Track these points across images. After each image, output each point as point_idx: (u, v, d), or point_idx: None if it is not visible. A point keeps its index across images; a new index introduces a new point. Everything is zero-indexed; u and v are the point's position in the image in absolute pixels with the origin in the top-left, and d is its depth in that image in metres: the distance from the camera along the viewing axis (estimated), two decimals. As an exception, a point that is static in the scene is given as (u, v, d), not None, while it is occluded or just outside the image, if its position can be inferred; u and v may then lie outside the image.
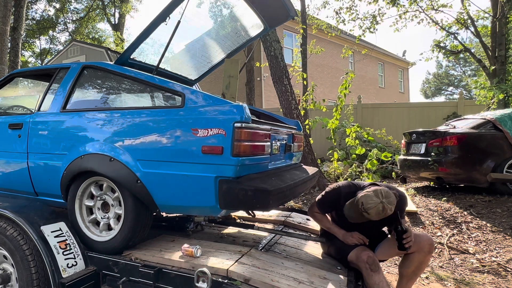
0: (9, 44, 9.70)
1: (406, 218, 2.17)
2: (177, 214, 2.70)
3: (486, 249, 3.67)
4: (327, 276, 1.97)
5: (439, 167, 5.00)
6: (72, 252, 2.05)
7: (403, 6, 11.25)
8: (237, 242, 2.45)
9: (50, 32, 25.31)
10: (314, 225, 2.98)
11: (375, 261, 2.07)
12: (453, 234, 4.07)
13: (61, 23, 25.13)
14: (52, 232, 2.06)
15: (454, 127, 5.42)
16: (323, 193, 2.42)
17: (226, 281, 1.72)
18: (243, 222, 2.92)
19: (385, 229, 2.47)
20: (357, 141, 7.46)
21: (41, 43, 26.23)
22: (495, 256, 3.52)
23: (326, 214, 2.46)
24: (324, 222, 2.44)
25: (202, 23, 3.27)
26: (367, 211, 2.02)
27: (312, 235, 2.79)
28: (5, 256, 2.14)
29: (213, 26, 3.51)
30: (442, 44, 11.85)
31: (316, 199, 2.42)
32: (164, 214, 3.00)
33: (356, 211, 2.09)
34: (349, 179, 6.62)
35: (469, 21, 10.54)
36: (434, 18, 11.34)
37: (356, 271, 2.18)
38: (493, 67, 9.17)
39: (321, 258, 2.39)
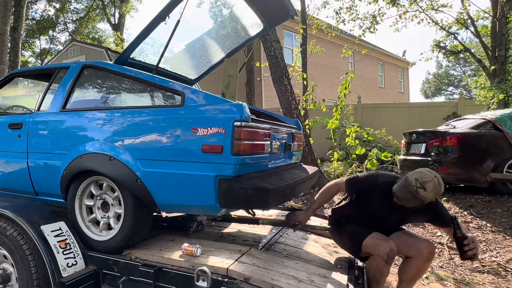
0: (9, 44, 9.70)
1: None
2: (180, 214, 2.68)
3: (486, 249, 3.67)
4: (327, 275, 1.97)
5: (439, 167, 5.00)
6: (72, 252, 2.05)
7: (403, 6, 11.25)
8: (237, 241, 2.45)
9: (50, 32, 25.32)
10: (314, 224, 2.98)
11: (394, 255, 2.07)
12: (453, 234, 4.06)
13: (61, 23, 25.15)
14: (52, 231, 2.06)
15: (454, 127, 5.42)
16: (359, 174, 2.33)
17: (226, 280, 1.72)
18: (247, 217, 2.78)
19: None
20: (357, 141, 7.47)
21: (41, 43, 26.24)
22: (495, 256, 3.51)
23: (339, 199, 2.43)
24: (322, 200, 2.36)
25: (202, 23, 3.28)
26: (423, 185, 1.94)
27: (312, 234, 2.79)
28: (5, 256, 2.14)
29: (213, 26, 3.51)
30: (442, 44, 11.85)
31: (350, 177, 2.31)
32: (164, 214, 3.01)
33: (411, 189, 1.97)
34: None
35: (469, 21, 10.55)
36: (434, 18, 11.35)
37: (356, 270, 2.18)
38: (493, 67, 9.17)
39: (321, 257, 2.39)
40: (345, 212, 2.38)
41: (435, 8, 10.91)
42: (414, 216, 2.24)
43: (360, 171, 7.05)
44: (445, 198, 5.07)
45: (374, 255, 2.05)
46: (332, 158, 7.51)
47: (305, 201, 5.85)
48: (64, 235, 2.10)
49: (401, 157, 6.02)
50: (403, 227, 2.39)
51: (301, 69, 9.57)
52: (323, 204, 2.43)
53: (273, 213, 3.21)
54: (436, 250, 3.72)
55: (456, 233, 2.04)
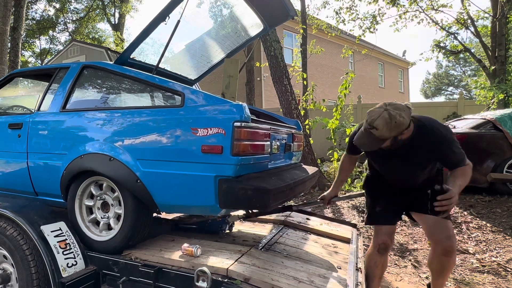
0: (9, 44, 9.70)
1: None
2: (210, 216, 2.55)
3: (486, 249, 3.67)
4: (327, 275, 1.97)
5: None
6: (72, 252, 2.05)
7: (403, 6, 11.26)
8: (237, 242, 2.45)
9: (50, 32, 25.32)
10: (314, 225, 2.98)
11: (386, 248, 2.19)
12: (453, 234, 4.06)
13: (61, 23, 25.15)
14: (52, 231, 2.06)
15: (454, 127, 5.42)
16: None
17: (226, 280, 1.72)
18: (283, 205, 2.66)
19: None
20: (357, 141, 7.44)
21: (41, 43, 26.24)
22: (495, 256, 3.51)
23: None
24: (340, 174, 2.46)
25: (202, 23, 3.27)
26: (372, 124, 1.77)
27: (312, 234, 2.79)
28: (5, 256, 2.14)
29: (213, 26, 3.51)
30: (442, 44, 11.86)
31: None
32: (164, 215, 3.00)
33: (367, 134, 1.83)
34: (349, 180, 6.62)
35: (469, 21, 10.55)
36: (434, 18, 11.36)
37: (356, 270, 2.18)
38: (493, 67, 9.17)
39: (320, 257, 2.39)
40: (370, 172, 2.39)
41: (435, 8, 10.91)
42: (413, 154, 1.97)
43: (360, 171, 7.05)
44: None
45: (370, 244, 2.23)
46: (332, 158, 7.51)
47: (305, 201, 5.84)
48: (64, 235, 2.10)
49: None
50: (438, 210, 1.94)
51: (301, 69, 9.58)
52: (343, 177, 2.49)
53: (272, 213, 3.21)
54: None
55: (436, 186, 1.88)
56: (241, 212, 2.63)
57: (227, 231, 2.59)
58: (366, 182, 2.39)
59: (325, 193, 2.53)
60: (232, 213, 2.52)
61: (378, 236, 2.23)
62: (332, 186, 2.53)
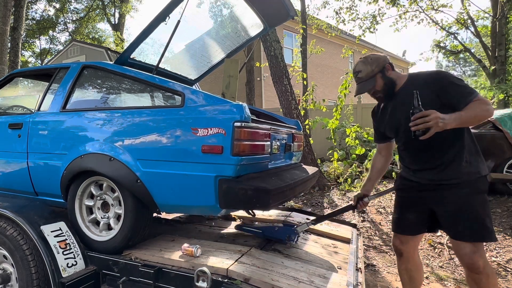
0: (9, 44, 9.70)
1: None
2: (279, 224, 2.44)
3: (486, 249, 3.67)
4: (327, 275, 1.97)
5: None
6: (72, 252, 2.05)
7: (403, 6, 11.27)
8: (237, 242, 2.45)
9: (50, 32, 25.35)
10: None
11: (400, 253, 2.12)
12: (453, 234, 4.06)
13: (61, 23, 25.18)
14: (52, 231, 2.06)
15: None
16: None
17: (226, 280, 1.72)
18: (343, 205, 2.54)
19: None
20: (357, 141, 7.46)
21: (41, 43, 26.27)
22: (495, 256, 3.51)
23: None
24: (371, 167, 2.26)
25: (202, 23, 3.27)
26: (355, 71, 1.99)
27: (312, 234, 2.79)
28: (5, 256, 2.14)
29: (213, 26, 3.51)
30: (442, 44, 11.87)
31: None
32: (163, 215, 3.00)
33: (357, 85, 2.00)
34: (349, 180, 6.62)
35: (469, 21, 10.57)
36: (434, 18, 11.38)
37: (356, 270, 2.18)
38: (493, 67, 9.18)
39: (320, 257, 2.39)
40: (400, 170, 2.24)
41: (435, 8, 10.92)
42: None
43: (360, 171, 7.05)
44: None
45: None
46: (332, 158, 7.51)
47: (305, 201, 5.85)
48: (64, 235, 2.10)
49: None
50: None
51: (301, 69, 9.58)
52: (371, 174, 2.27)
53: (273, 213, 3.21)
54: (436, 250, 3.72)
55: (413, 108, 1.68)
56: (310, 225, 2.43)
57: (295, 242, 2.36)
58: (395, 182, 2.20)
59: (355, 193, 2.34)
60: (301, 223, 2.40)
61: (393, 239, 2.17)
62: (361, 186, 2.33)
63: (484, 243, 1.90)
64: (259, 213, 3.03)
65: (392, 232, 2.18)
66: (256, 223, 2.41)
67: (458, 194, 1.81)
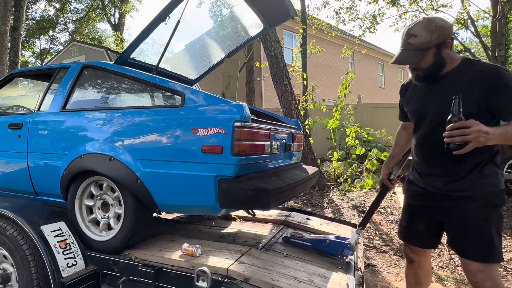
0: (9, 44, 9.71)
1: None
2: (329, 236, 2.31)
3: (486, 248, 3.67)
4: (327, 275, 1.97)
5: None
6: (72, 252, 2.05)
7: (403, 6, 11.26)
8: (237, 242, 2.45)
9: (50, 32, 25.36)
10: (314, 225, 2.98)
11: (411, 261, 1.96)
12: (453, 234, 4.06)
13: (61, 23, 25.19)
14: (52, 231, 2.06)
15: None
16: None
17: (226, 280, 1.72)
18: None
19: None
20: (357, 141, 7.46)
21: (41, 43, 26.29)
22: (495, 255, 3.51)
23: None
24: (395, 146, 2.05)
25: (202, 23, 3.28)
26: (410, 31, 1.55)
27: (312, 234, 2.79)
28: (5, 256, 2.14)
29: (213, 26, 3.51)
30: (442, 44, 11.83)
31: None
32: (164, 215, 3.00)
33: (403, 50, 1.59)
34: (349, 180, 6.62)
35: (469, 21, 10.56)
36: (434, 18, 11.33)
37: (356, 270, 2.17)
38: (493, 67, 9.16)
39: (320, 257, 2.39)
40: (411, 170, 1.91)
41: (435, 8, 10.91)
42: (458, 88, 1.51)
43: (360, 171, 7.06)
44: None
45: None
46: (332, 158, 7.51)
47: (305, 201, 5.85)
48: (64, 235, 2.10)
49: (401, 157, 6.00)
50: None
51: (301, 69, 9.58)
52: (395, 152, 2.06)
53: (273, 213, 3.21)
54: (436, 250, 3.72)
55: (452, 116, 1.39)
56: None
57: (348, 258, 2.17)
58: (405, 186, 1.93)
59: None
60: (353, 236, 2.23)
61: (404, 246, 1.99)
62: (384, 165, 2.10)
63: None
64: (259, 213, 3.03)
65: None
66: (306, 235, 2.31)
67: (468, 207, 1.59)
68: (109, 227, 2.20)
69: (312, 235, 2.27)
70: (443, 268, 3.39)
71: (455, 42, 11.53)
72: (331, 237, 2.28)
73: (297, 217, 3.16)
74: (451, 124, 1.38)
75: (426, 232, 1.82)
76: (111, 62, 2.45)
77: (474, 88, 1.50)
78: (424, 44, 1.54)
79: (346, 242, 2.19)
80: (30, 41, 24.84)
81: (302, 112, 7.60)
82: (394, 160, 2.06)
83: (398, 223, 1.98)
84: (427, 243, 1.87)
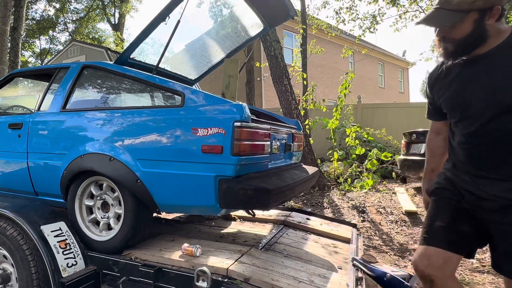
0: (9, 44, 9.71)
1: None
2: (391, 271, 2.16)
3: (486, 249, 3.66)
4: (327, 275, 1.97)
5: (439, 167, 4.98)
6: (72, 252, 2.05)
7: (403, 6, 11.26)
8: (237, 242, 2.45)
9: (50, 32, 25.36)
10: (314, 225, 2.98)
11: (424, 277, 1.37)
12: (453, 234, 4.05)
13: (61, 23, 25.19)
14: (52, 231, 2.06)
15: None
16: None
17: (226, 280, 1.72)
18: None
19: None
20: (357, 141, 7.46)
21: (41, 43, 26.29)
22: (495, 255, 3.51)
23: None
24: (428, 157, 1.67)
25: (202, 23, 3.28)
26: None
27: (312, 234, 2.79)
28: (5, 256, 2.14)
29: (213, 26, 3.51)
30: (442, 44, 11.83)
31: None
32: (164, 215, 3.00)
33: (436, 11, 1.29)
34: (349, 180, 6.62)
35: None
36: (434, 18, 11.33)
37: (356, 270, 2.17)
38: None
39: (320, 257, 2.39)
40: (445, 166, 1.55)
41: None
42: (503, 72, 1.23)
43: (360, 171, 7.06)
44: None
45: None
46: (332, 158, 7.51)
47: (305, 201, 5.85)
48: (64, 235, 2.10)
49: (401, 157, 6.01)
50: None
51: (301, 69, 9.58)
52: (433, 165, 1.69)
53: (273, 213, 3.21)
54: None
55: None
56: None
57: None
58: (437, 181, 1.54)
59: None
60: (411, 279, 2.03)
61: (417, 259, 1.40)
62: (423, 181, 1.77)
63: None
64: (259, 213, 3.03)
65: (418, 247, 1.44)
66: (372, 264, 2.17)
67: None
68: (109, 227, 2.20)
69: (376, 266, 2.15)
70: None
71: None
72: (392, 271, 2.16)
73: (297, 217, 3.16)
74: None
75: (472, 235, 1.37)
76: (111, 62, 2.45)
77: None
78: (464, 4, 1.21)
79: (406, 283, 2.00)
80: (30, 41, 24.84)
81: (302, 112, 7.60)
82: (435, 173, 1.66)
83: (426, 225, 1.45)
84: (469, 249, 1.41)
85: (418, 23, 1.32)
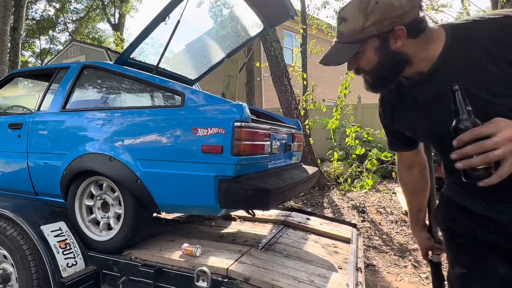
0: (9, 44, 9.71)
1: None
2: None
3: None
4: (327, 275, 1.97)
5: (439, 167, 4.98)
6: (72, 252, 2.05)
7: (403, 6, 11.24)
8: (237, 242, 2.45)
9: (50, 32, 25.37)
10: (314, 225, 2.98)
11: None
12: (453, 234, 4.05)
13: (61, 23, 25.21)
14: (52, 231, 2.06)
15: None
16: None
17: (226, 280, 1.72)
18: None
19: None
20: (357, 141, 7.46)
21: (41, 43, 26.34)
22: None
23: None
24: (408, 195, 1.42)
25: (202, 23, 3.28)
26: (340, 14, 1.01)
27: (312, 234, 2.79)
28: (5, 256, 2.14)
29: (213, 26, 3.51)
30: (442, 44, 11.83)
31: None
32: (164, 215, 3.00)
33: (333, 44, 1.06)
34: (349, 180, 6.62)
35: (469, 21, 10.53)
36: (434, 18, 11.36)
37: (357, 270, 2.18)
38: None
39: (320, 257, 2.39)
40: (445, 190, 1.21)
41: (435, 8, 10.93)
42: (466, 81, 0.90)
43: (360, 171, 7.06)
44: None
45: None
46: (332, 158, 7.51)
47: (305, 201, 5.85)
48: (64, 235, 2.10)
49: (401, 157, 6.00)
50: None
51: (301, 69, 9.58)
52: (415, 202, 1.43)
53: (273, 213, 3.22)
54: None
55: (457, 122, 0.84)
56: None
57: None
58: (440, 214, 1.23)
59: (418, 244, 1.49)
60: None
61: None
62: (412, 231, 1.49)
63: None
64: (259, 213, 3.03)
65: None
66: None
67: None
68: (109, 227, 2.21)
69: None
70: (443, 268, 3.40)
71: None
72: None
73: (297, 217, 3.16)
74: (459, 136, 0.81)
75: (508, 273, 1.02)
76: (111, 62, 2.45)
77: (487, 63, 0.90)
78: (355, 34, 0.98)
79: None
80: (30, 41, 24.86)
81: (302, 112, 7.60)
82: (422, 214, 1.42)
83: (452, 273, 1.15)
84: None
85: (320, 62, 1.10)
